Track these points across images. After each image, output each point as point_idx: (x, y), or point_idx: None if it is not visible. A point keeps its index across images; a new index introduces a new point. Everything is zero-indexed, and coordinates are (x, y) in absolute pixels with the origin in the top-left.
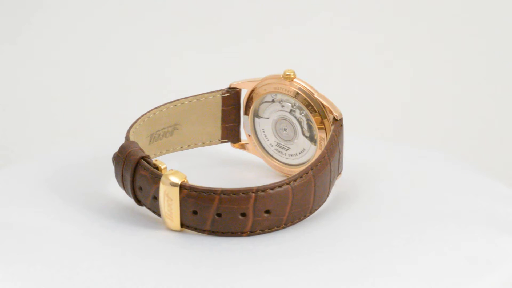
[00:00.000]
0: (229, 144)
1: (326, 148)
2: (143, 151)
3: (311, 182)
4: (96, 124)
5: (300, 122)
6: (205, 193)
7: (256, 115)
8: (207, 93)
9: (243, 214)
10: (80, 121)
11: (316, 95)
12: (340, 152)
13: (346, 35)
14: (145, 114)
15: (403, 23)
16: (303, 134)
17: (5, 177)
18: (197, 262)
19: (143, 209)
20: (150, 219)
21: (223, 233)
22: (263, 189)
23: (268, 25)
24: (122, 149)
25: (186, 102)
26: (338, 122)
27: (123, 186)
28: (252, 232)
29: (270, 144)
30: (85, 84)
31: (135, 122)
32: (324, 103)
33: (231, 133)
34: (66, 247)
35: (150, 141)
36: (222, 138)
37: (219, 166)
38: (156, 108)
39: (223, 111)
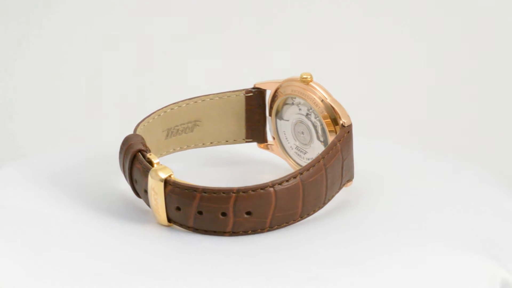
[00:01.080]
0: (255, 144)
1: (322, 153)
2: (144, 145)
3: (298, 187)
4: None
5: (315, 127)
6: (187, 190)
7: (278, 116)
8: (229, 91)
9: (224, 214)
10: (91, 121)
11: (328, 100)
12: (345, 159)
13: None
14: (161, 109)
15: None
16: (318, 138)
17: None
18: (168, 257)
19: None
20: (145, 213)
21: (205, 231)
22: (244, 190)
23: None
24: (125, 140)
25: (208, 100)
26: (344, 129)
27: (125, 177)
28: (234, 233)
29: (290, 147)
30: (97, 85)
31: (148, 116)
32: (335, 108)
33: (255, 133)
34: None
35: (167, 135)
36: (247, 137)
37: (240, 165)
38: (174, 103)
39: (247, 111)
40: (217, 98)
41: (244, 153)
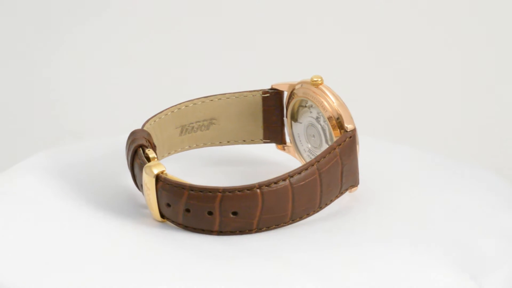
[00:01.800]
0: (273, 145)
1: (317, 157)
2: (148, 140)
3: (287, 190)
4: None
5: (323, 130)
6: (176, 187)
7: (293, 118)
8: (246, 91)
9: (210, 213)
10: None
11: (335, 104)
12: (345, 164)
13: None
14: (174, 106)
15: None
16: (326, 142)
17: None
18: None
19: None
20: (146, 208)
21: (194, 228)
22: (230, 190)
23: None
24: (130, 135)
25: (224, 98)
26: (346, 133)
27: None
28: (221, 232)
29: (304, 150)
30: (115, 83)
31: (160, 112)
32: (341, 112)
33: (273, 134)
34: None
35: (181, 132)
36: (264, 138)
37: (255, 165)
38: (189, 101)
39: (264, 111)
40: (234, 97)
41: (262, 154)
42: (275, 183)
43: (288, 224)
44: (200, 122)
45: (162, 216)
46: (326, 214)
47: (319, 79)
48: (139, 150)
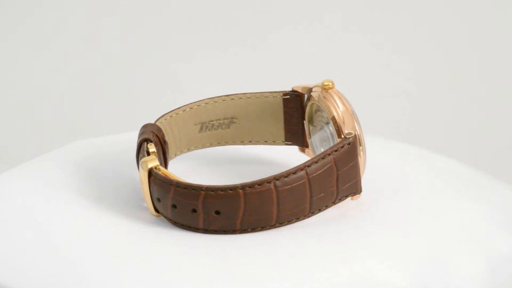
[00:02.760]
0: (296, 147)
1: (307, 162)
2: (156, 134)
3: (271, 193)
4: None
5: (332, 135)
6: (164, 182)
7: (310, 122)
8: (266, 92)
9: (194, 210)
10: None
11: (340, 109)
12: (340, 171)
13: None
14: (193, 102)
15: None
16: None
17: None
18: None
19: None
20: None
21: (182, 225)
22: (213, 188)
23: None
24: (141, 129)
25: (244, 98)
26: (344, 140)
27: None
28: (206, 230)
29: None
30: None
31: (177, 108)
32: (344, 118)
33: (294, 137)
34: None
35: (201, 129)
36: (286, 140)
37: (271, 166)
38: (209, 98)
39: (285, 113)
40: (254, 97)
41: (284, 155)
42: (259, 184)
43: (275, 227)
44: (221, 120)
45: (156, 210)
46: (319, 219)
47: (330, 83)
48: (143, 144)
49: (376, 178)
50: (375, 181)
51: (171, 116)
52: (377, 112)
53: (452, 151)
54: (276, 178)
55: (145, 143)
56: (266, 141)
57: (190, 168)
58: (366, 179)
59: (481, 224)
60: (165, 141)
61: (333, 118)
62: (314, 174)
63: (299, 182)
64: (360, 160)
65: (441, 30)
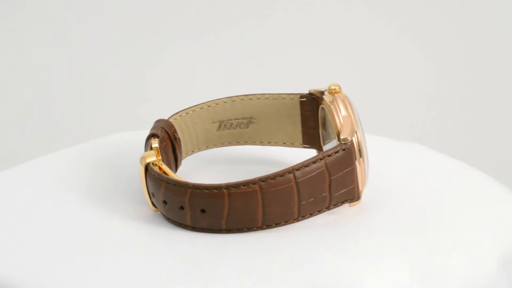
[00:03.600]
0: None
1: (295, 166)
2: (166, 131)
3: (256, 194)
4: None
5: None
6: (157, 178)
7: (323, 125)
8: (283, 93)
9: (181, 207)
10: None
11: (342, 114)
12: (333, 177)
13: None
14: (211, 100)
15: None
16: None
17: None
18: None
19: None
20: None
21: (173, 221)
22: (199, 187)
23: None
24: (153, 124)
25: (263, 98)
26: (340, 145)
27: None
28: (194, 228)
29: None
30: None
31: (194, 105)
32: (344, 123)
33: (312, 140)
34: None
35: (219, 127)
36: (304, 143)
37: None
38: (227, 97)
39: (302, 116)
40: (272, 98)
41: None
42: (244, 185)
43: (262, 229)
44: (239, 120)
45: (154, 205)
46: (311, 223)
47: (337, 87)
48: (150, 139)
49: (379, 180)
50: (376, 182)
51: (186, 113)
52: (393, 113)
53: (465, 154)
54: (262, 179)
55: (152, 138)
56: (284, 143)
57: (206, 167)
58: (368, 179)
59: (485, 226)
60: (176, 138)
61: (336, 123)
62: (302, 178)
63: (286, 185)
64: (360, 167)
65: (460, 32)
